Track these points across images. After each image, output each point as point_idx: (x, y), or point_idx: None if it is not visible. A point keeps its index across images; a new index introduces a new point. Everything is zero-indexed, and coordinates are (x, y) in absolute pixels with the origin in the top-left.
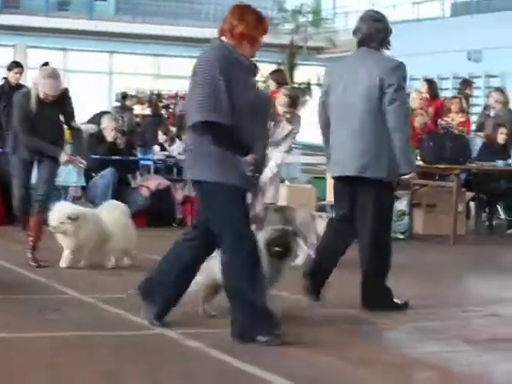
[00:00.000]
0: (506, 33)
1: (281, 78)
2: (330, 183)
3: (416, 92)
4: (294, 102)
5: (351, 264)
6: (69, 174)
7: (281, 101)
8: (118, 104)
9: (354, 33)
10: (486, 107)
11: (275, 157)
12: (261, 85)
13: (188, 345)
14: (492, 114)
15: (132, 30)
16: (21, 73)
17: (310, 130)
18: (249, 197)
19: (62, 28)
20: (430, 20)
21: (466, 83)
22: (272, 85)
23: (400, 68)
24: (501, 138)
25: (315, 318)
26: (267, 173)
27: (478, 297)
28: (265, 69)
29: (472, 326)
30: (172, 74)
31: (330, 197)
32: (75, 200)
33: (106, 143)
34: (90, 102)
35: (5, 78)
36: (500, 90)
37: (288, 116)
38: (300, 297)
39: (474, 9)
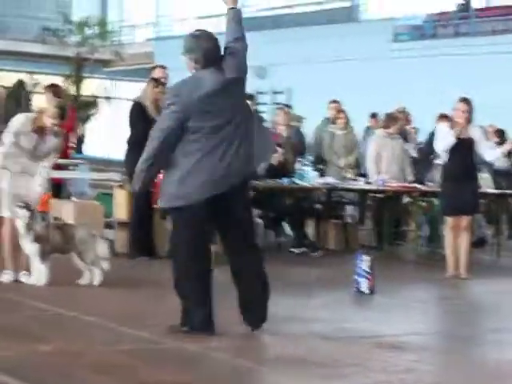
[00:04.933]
0: (292, 49)
1: (57, 91)
2: (117, 200)
3: None
4: (63, 113)
5: None
6: None
7: (50, 112)
8: None
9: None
10: (273, 125)
11: (43, 172)
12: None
13: None
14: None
15: None
16: None
17: (98, 144)
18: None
19: None
20: (217, 35)
21: (249, 98)
22: (49, 98)
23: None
24: (274, 158)
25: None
26: (37, 189)
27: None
28: (52, 81)
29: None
30: None
31: (117, 213)
32: None
33: None
34: None
35: None
36: (284, 108)
37: (56, 129)
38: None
39: (261, 25)
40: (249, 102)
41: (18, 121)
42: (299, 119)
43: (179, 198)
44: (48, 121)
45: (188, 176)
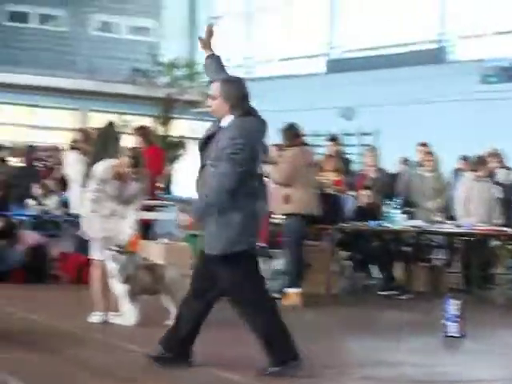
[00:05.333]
0: (380, 91)
1: (146, 133)
2: None
3: None
4: (137, 161)
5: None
6: None
7: (124, 161)
8: None
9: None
10: (362, 166)
11: (132, 214)
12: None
13: None
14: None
15: (7, 80)
16: None
17: (186, 185)
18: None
19: None
20: (304, 76)
21: (332, 139)
22: (138, 140)
23: None
24: (363, 199)
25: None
26: (128, 231)
27: (353, 359)
28: (141, 122)
29: None
30: (47, 126)
31: None
32: None
33: None
34: None
35: None
36: (372, 150)
37: (134, 176)
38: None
39: (349, 66)
40: (333, 143)
41: (100, 168)
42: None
43: (241, 242)
44: (124, 169)
45: (247, 220)
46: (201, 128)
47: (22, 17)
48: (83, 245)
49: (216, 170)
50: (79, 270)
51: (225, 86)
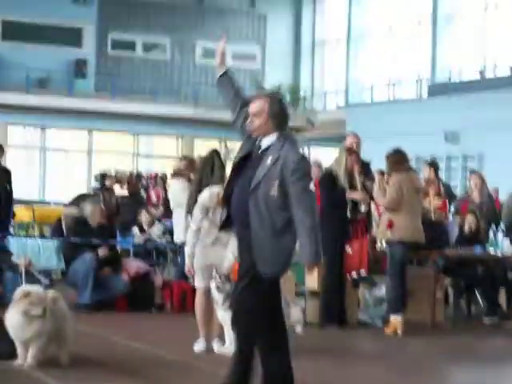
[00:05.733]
0: (483, 114)
1: None
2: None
3: None
4: None
5: None
6: (49, 258)
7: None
8: (97, 184)
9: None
10: (467, 191)
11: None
12: None
13: None
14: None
15: (111, 108)
16: (0, 155)
17: None
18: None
19: (42, 105)
20: (406, 101)
21: (431, 164)
22: None
23: None
24: (467, 225)
25: None
26: (231, 259)
27: None
28: None
29: None
30: (150, 153)
31: (308, 283)
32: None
33: (89, 228)
34: (69, 181)
35: None
36: (476, 174)
37: None
38: None
39: (451, 90)
40: (432, 168)
41: (205, 195)
42: None
43: (288, 266)
44: None
45: (294, 245)
46: (307, 154)
47: (126, 45)
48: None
49: (300, 194)
50: (183, 298)
51: (271, 103)
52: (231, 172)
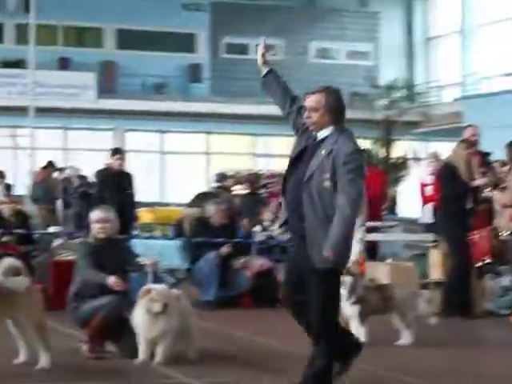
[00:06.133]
0: None
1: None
2: (432, 260)
3: None
4: None
5: None
6: (173, 258)
7: None
8: (217, 185)
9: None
10: None
11: (356, 237)
12: None
13: None
14: None
15: (228, 111)
16: (123, 159)
17: (410, 205)
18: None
19: (159, 110)
20: None
21: None
22: None
23: None
24: None
25: None
26: (354, 253)
27: None
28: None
29: None
30: (269, 153)
31: (433, 274)
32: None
33: (211, 228)
34: (188, 183)
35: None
36: None
37: None
38: None
39: None
40: None
41: None
42: None
43: (347, 258)
44: None
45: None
46: (423, 148)
47: (239, 48)
48: None
49: (346, 185)
50: None
51: (328, 97)
52: (288, 167)
